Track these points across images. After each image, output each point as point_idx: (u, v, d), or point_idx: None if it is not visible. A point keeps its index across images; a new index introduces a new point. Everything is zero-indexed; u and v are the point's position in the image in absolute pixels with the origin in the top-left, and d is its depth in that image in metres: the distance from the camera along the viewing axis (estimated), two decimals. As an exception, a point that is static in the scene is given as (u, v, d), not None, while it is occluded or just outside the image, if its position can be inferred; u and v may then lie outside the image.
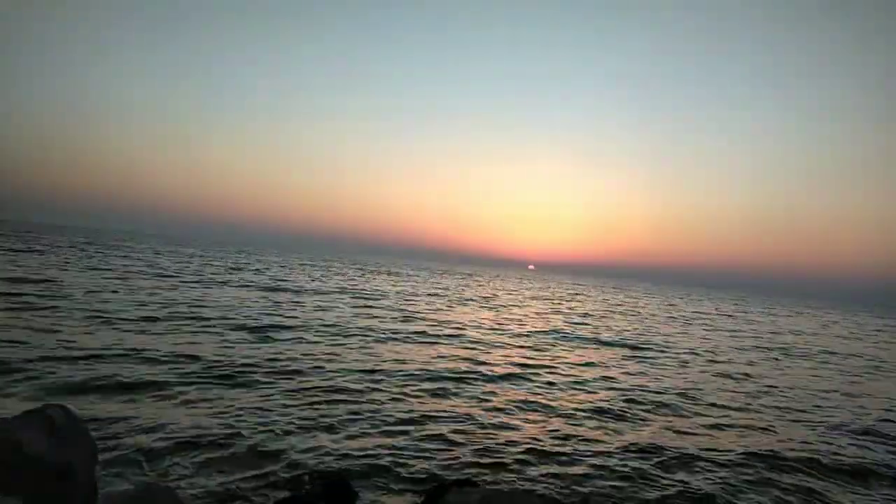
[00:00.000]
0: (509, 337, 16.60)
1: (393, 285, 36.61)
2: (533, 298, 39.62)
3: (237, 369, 8.87)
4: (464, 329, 17.14)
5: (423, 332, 15.19)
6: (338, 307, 19.50)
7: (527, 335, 17.44)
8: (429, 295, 30.54)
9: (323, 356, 10.59)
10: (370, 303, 22.27)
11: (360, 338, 13.24)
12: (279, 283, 27.72)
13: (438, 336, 14.99)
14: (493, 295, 38.46)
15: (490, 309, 26.28)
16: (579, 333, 19.08)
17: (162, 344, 10.13)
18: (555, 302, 37.32)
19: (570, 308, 32.05)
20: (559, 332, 18.88)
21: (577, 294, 52.91)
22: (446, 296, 31.67)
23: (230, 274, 31.05)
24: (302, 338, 12.42)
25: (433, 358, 11.71)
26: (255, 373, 8.77)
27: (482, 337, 15.80)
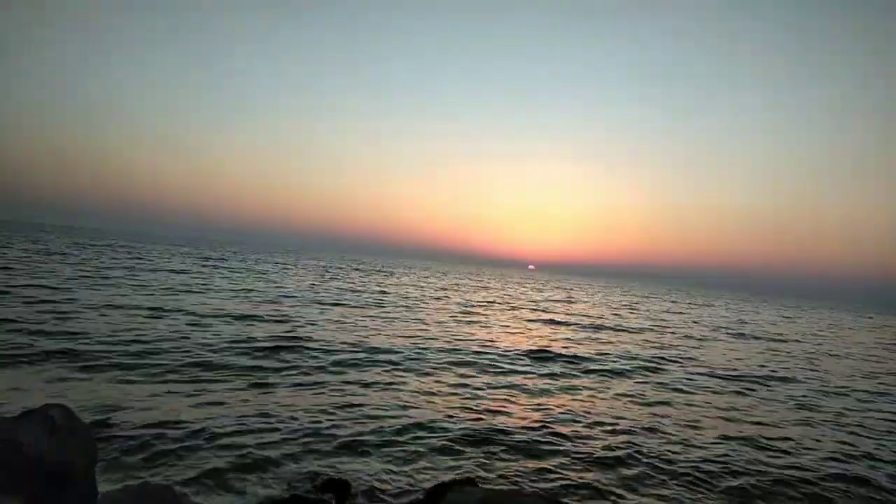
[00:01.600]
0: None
1: (434, 290, 34.96)
2: (554, 301, 37.82)
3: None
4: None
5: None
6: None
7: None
8: (494, 302, 28.80)
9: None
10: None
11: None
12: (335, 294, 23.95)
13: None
14: (544, 302, 35.63)
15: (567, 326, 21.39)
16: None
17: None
18: (606, 308, 34.28)
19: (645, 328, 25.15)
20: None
21: (621, 301, 46.67)
22: (502, 307, 28.13)
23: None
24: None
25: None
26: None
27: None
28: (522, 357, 13.07)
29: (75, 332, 10.27)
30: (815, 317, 54.76)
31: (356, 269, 57.74)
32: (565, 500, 5.25)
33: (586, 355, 14.03)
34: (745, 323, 33.71)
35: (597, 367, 12.61)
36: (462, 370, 10.87)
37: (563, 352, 14.28)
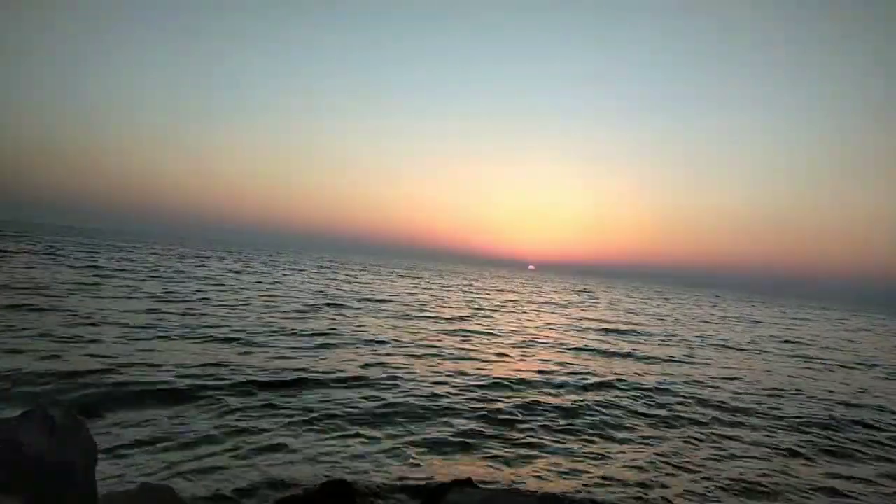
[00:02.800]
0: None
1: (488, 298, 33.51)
2: (574, 305, 35.64)
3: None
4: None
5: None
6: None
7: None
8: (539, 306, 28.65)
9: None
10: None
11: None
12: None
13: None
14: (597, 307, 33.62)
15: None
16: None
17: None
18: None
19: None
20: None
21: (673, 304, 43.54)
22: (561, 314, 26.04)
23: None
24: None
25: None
26: None
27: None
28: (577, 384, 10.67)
29: (62, 341, 9.43)
30: (853, 321, 53.49)
31: (362, 271, 57.61)
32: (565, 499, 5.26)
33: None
34: (783, 330, 31.23)
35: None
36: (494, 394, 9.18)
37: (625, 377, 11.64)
